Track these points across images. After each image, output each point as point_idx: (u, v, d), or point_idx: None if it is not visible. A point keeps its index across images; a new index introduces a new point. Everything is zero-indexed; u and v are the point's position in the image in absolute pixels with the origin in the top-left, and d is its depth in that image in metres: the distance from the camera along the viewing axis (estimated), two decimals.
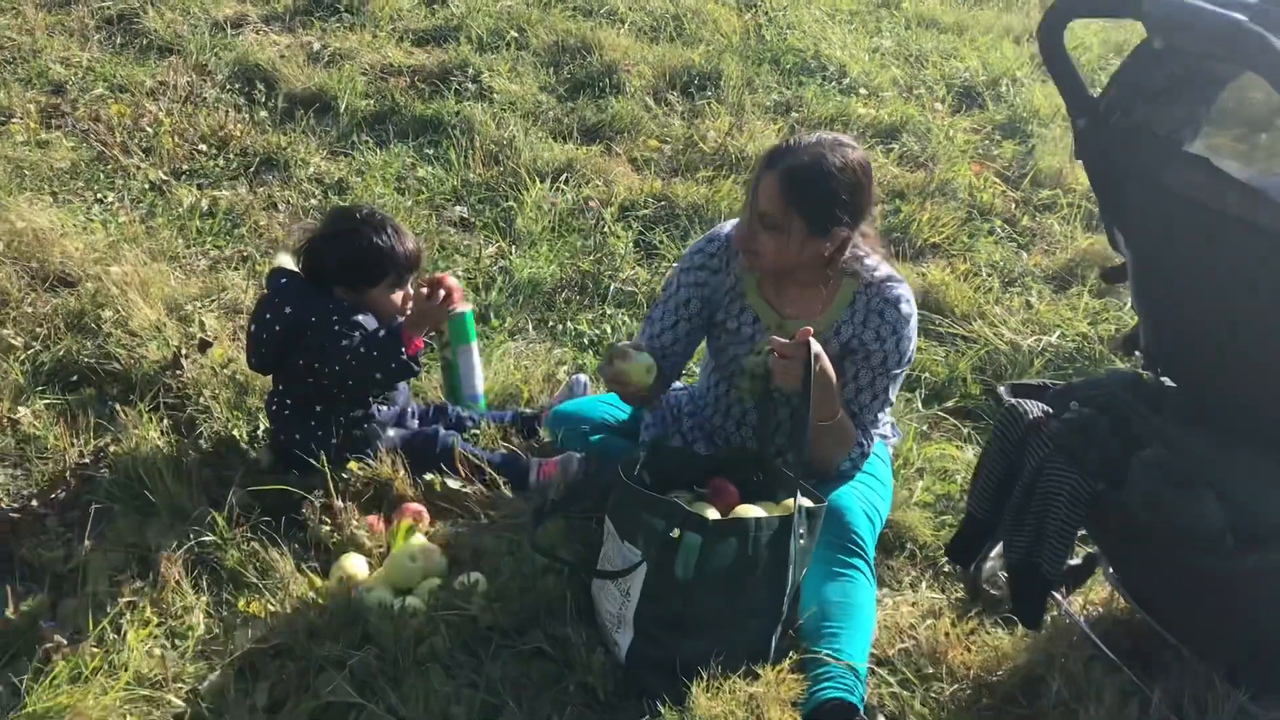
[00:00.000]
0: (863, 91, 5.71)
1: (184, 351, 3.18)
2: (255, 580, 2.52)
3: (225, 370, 3.16)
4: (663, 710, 2.20)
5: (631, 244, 4.18)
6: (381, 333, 2.77)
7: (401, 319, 2.84)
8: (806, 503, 2.32)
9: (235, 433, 2.99)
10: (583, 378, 3.27)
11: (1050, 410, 2.22)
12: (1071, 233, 4.47)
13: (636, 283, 3.97)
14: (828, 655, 2.32)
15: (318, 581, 2.51)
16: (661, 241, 4.20)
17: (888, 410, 2.75)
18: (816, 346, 2.36)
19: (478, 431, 3.07)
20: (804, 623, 2.42)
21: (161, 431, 2.95)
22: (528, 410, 3.23)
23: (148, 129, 4.87)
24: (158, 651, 2.34)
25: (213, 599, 2.52)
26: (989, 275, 4.13)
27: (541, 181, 4.54)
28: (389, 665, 2.32)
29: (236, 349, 3.24)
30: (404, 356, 2.72)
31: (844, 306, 2.59)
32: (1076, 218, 4.56)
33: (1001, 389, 2.37)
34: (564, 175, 4.62)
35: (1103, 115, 2.02)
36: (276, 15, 6.41)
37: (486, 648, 2.36)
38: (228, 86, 5.39)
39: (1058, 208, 4.67)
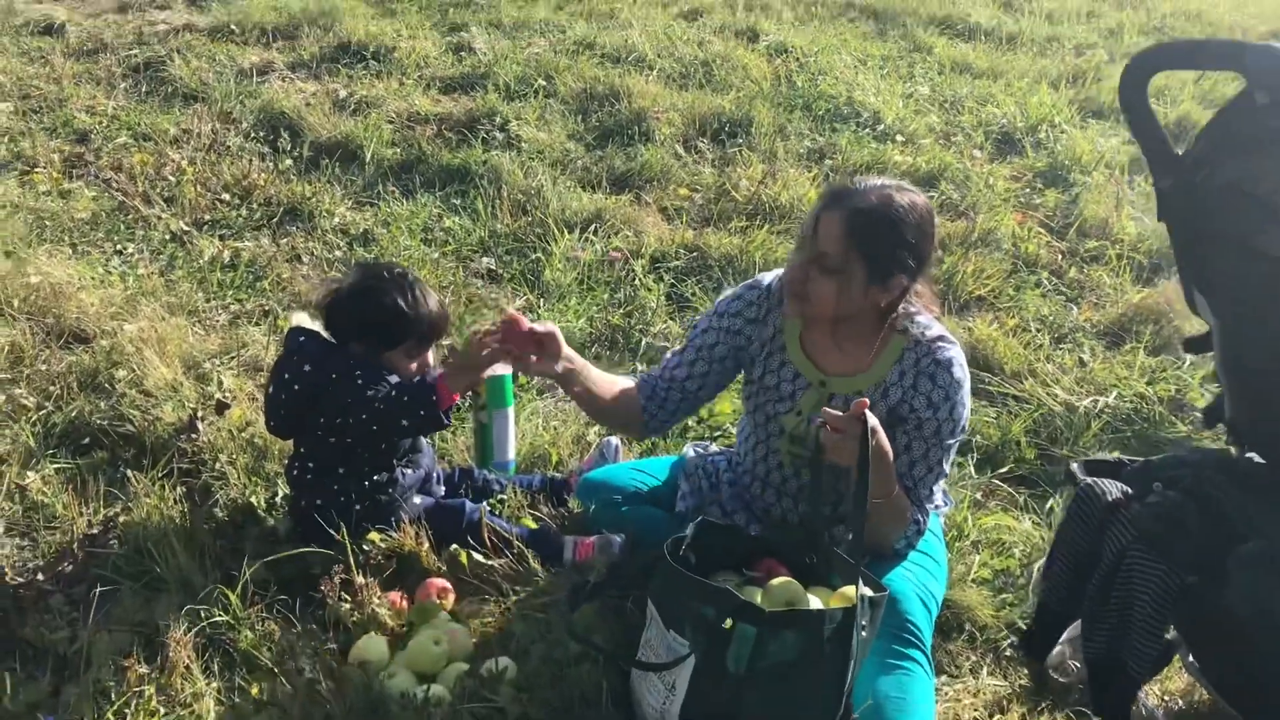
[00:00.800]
0: (899, 138, 5.59)
1: (200, 414, 3.04)
2: (269, 664, 2.36)
3: (243, 434, 3.02)
4: None
5: (663, 296, 4.03)
6: (415, 379, 2.66)
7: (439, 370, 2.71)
8: (868, 591, 2.14)
9: (253, 499, 2.84)
10: (614, 441, 3.11)
11: (1129, 491, 2.04)
12: (1121, 285, 4.30)
13: (669, 336, 3.81)
14: None
15: (335, 667, 2.34)
16: (694, 294, 4.06)
17: (942, 481, 2.57)
18: (873, 420, 2.19)
19: (504, 497, 2.91)
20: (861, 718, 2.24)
21: (175, 500, 2.80)
22: (557, 475, 3.07)
23: (170, 178, 4.79)
24: None
25: (224, 684, 2.36)
26: (1038, 330, 3.95)
27: (570, 232, 4.41)
28: None
29: (255, 410, 3.10)
30: (436, 408, 2.58)
31: (891, 365, 2.42)
32: (1126, 270, 4.39)
33: (1074, 465, 2.20)
34: (593, 225, 4.49)
35: (1189, 172, 1.86)
36: (303, 63, 6.38)
37: None
38: (252, 134, 5.32)
39: (1105, 259, 4.50)
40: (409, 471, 2.79)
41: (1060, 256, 4.54)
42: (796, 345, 2.52)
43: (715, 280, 4.17)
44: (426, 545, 2.66)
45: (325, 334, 2.73)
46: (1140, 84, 1.85)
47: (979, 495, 3.10)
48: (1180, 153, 1.90)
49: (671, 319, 3.94)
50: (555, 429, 3.26)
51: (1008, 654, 2.58)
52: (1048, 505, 3.03)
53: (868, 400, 2.19)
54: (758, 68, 6.30)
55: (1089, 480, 2.09)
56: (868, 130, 5.67)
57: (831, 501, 2.44)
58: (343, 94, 5.87)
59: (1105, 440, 3.30)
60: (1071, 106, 6.12)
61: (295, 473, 2.76)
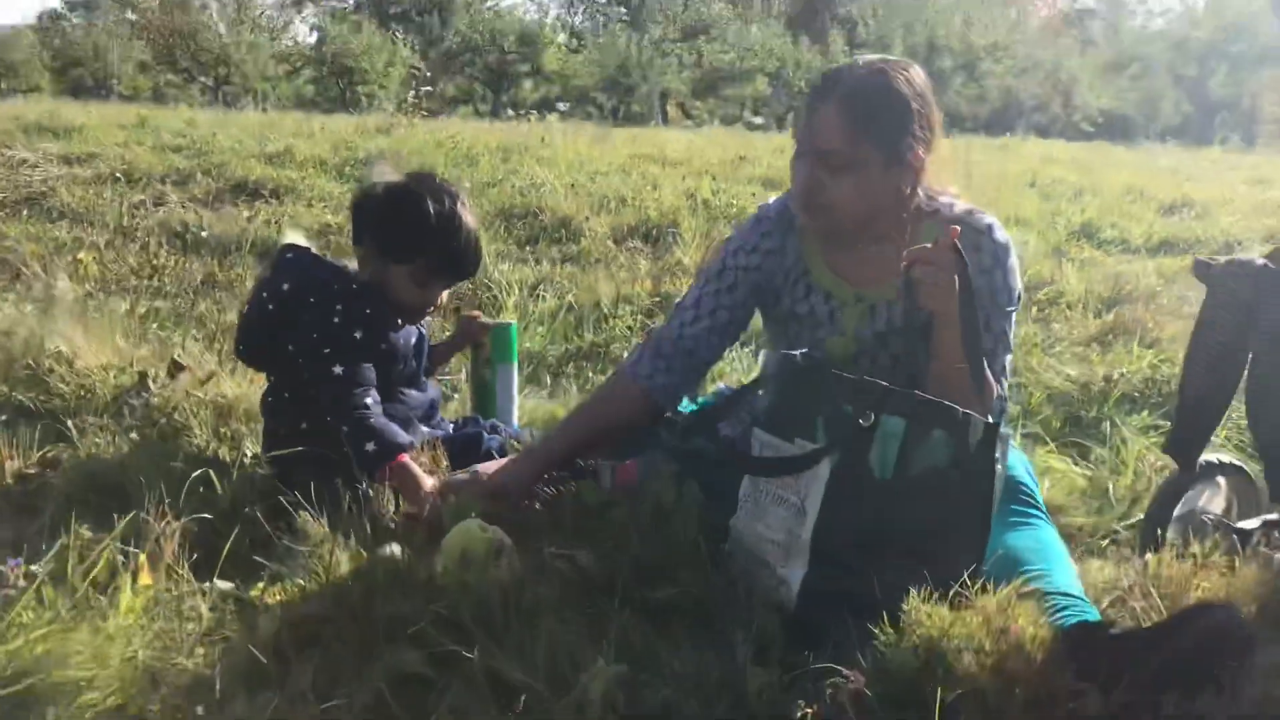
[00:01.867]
0: None
1: (153, 376, 2.61)
2: (275, 564, 1.89)
3: (203, 391, 2.59)
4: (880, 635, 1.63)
5: (636, 325, 3.79)
6: (371, 444, 2.19)
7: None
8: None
9: (221, 454, 2.40)
10: None
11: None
12: (1085, 320, 4.26)
13: None
14: (1045, 590, 1.80)
15: (356, 550, 1.89)
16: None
17: (1010, 360, 2.31)
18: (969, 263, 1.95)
19: (517, 444, 2.55)
20: (992, 571, 1.90)
21: (128, 448, 2.34)
22: None
23: (70, 258, 4.38)
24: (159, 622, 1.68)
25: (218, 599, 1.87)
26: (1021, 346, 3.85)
27: (519, 292, 4.18)
28: (482, 621, 1.70)
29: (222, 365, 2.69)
30: (368, 458, 2.17)
31: None
32: (1082, 310, 4.36)
33: (1202, 258, 2.00)
34: (539, 287, 4.27)
35: None
36: (197, 199, 6.13)
37: (609, 599, 1.78)
38: (151, 241, 4.96)
39: (1059, 305, 4.48)
40: (413, 392, 2.42)
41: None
42: (821, 265, 2.27)
43: None
44: (445, 463, 2.26)
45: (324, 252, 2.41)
46: None
47: None
48: None
49: None
50: (563, 398, 2.93)
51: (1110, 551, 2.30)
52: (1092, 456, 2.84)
53: (958, 229, 1.98)
54: (672, 198, 6.33)
55: (1233, 258, 1.91)
56: None
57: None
58: (246, 214, 5.62)
59: (1131, 408, 3.14)
60: None
61: (271, 400, 2.36)
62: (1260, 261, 1.89)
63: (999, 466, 1.85)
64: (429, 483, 2.16)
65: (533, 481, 2.15)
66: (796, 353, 1.91)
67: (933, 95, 2.15)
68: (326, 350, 2.23)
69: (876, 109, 2.06)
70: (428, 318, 2.55)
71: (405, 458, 2.18)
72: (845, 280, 2.25)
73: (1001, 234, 2.20)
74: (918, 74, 2.14)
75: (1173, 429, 2.02)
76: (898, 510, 1.77)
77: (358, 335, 2.26)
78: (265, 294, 2.33)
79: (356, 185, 2.40)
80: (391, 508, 2.12)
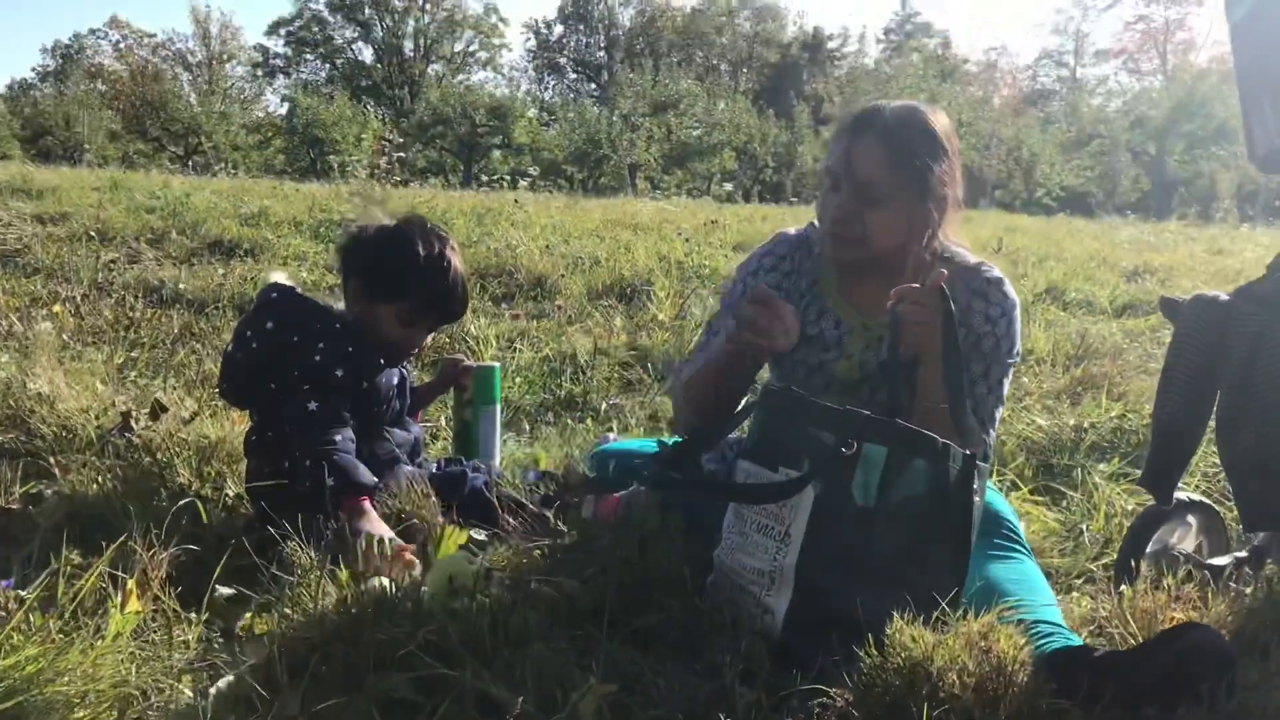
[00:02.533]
0: None
1: (135, 416, 2.61)
2: (262, 595, 1.90)
3: (185, 432, 2.59)
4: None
5: (614, 377, 3.83)
6: (331, 479, 2.17)
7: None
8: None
9: (205, 493, 2.40)
10: (611, 436, 2.83)
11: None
12: (1055, 371, 4.34)
13: (624, 409, 3.58)
14: (1028, 619, 1.83)
15: (345, 580, 1.89)
16: (640, 380, 3.87)
17: (1000, 411, 2.38)
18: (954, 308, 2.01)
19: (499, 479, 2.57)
20: (975, 601, 1.92)
21: (112, 484, 2.34)
22: (553, 471, 2.74)
23: (45, 310, 4.38)
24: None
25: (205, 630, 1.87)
26: None
27: (497, 346, 4.21)
28: (471, 646, 1.71)
29: (204, 409, 2.69)
30: (327, 498, 2.16)
31: None
32: (1048, 367, 4.44)
33: (1168, 296, 2.08)
34: (514, 341, 4.31)
35: None
36: (172, 256, 6.14)
37: (595, 625, 1.79)
38: (131, 288, 4.98)
39: (1028, 363, 4.56)
40: (396, 431, 2.43)
41: None
42: (834, 291, 2.34)
43: (658, 372, 4.00)
44: (433, 499, 2.28)
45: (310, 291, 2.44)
46: None
47: None
48: None
49: (624, 395, 3.73)
50: (543, 442, 2.94)
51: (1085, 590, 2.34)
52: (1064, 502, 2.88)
53: (946, 272, 2.05)
54: (645, 259, 6.41)
55: (1199, 294, 1.98)
56: None
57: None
58: (222, 271, 5.63)
59: (1100, 457, 3.19)
60: None
61: (255, 439, 2.37)
62: (1224, 296, 1.96)
63: (976, 498, 1.89)
64: (386, 532, 2.13)
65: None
66: (777, 386, 1.95)
67: (954, 134, 2.24)
68: (306, 387, 2.25)
69: (914, 142, 2.14)
70: (409, 360, 2.57)
71: (367, 502, 2.18)
72: (854, 305, 2.30)
73: (1010, 289, 2.28)
74: (944, 115, 2.24)
75: (1148, 462, 2.07)
76: (879, 537, 1.79)
77: (339, 374, 2.28)
78: (249, 332, 2.35)
79: (344, 229, 2.44)
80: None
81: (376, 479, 2.24)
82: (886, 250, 2.20)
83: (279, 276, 2.48)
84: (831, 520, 1.79)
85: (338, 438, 2.23)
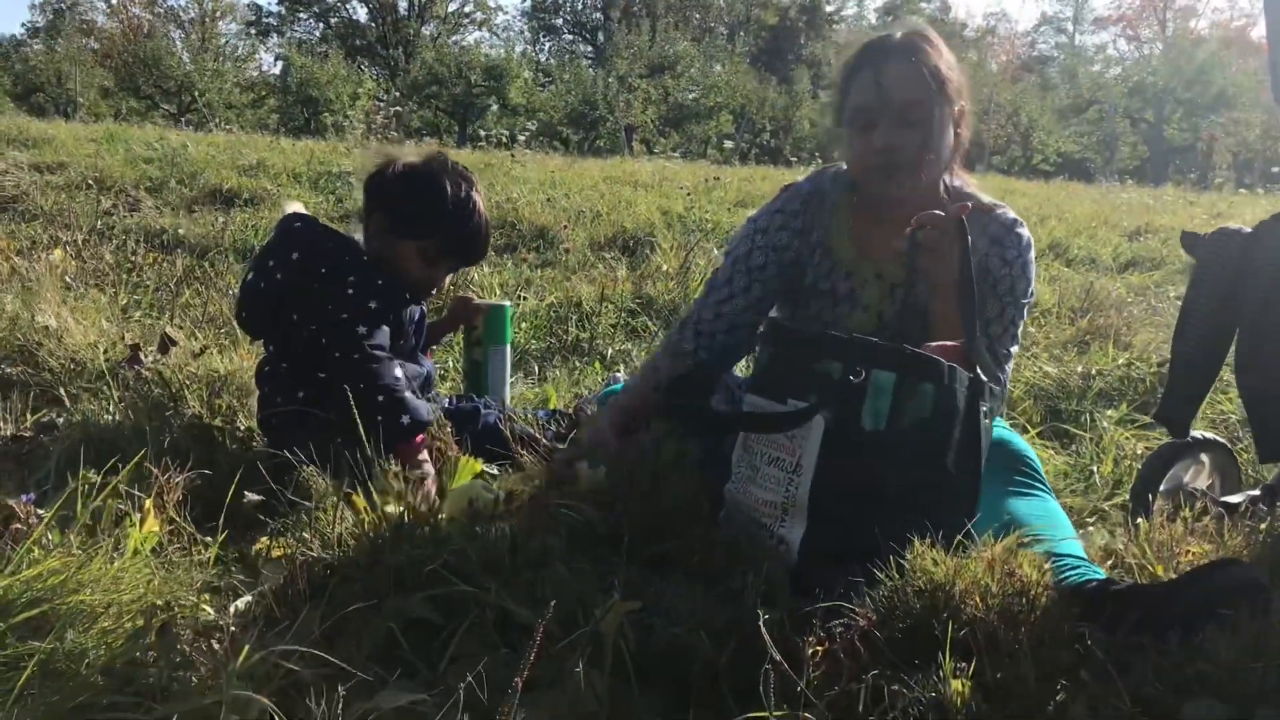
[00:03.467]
0: None
1: (144, 350, 2.60)
2: (278, 521, 1.89)
3: (195, 365, 2.58)
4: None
5: (619, 323, 3.81)
6: (406, 417, 2.19)
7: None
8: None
9: (217, 424, 2.39)
10: (620, 378, 2.82)
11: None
12: (1060, 325, 4.33)
13: (629, 355, 3.57)
14: (1050, 554, 1.83)
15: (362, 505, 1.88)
16: (645, 327, 3.85)
17: (1015, 350, 2.36)
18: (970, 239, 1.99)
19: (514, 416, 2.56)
20: (997, 536, 1.92)
21: (124, 413, 2.33)
22: (564, 409, 2.73)
23: (46, 254, 4.34)
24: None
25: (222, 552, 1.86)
26: None
27: (500, 292, 4.19)
28: (490, 568, 1.71)
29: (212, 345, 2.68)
30: (401, 430, 2.17)
31: None
32: (1055, 317, 4.44)
33: (1187, 230, 2.07)
34: (520, 290, 4.29)
35: None
36: (170, 204, 6.09)
37: (614, 551, 1.79)
38: (131, 234, 4.94)
39: (1033, 315, 4.56)
40: (410, 365, 2.42)
41: None
42: (846, 242, 2.31)
43: (664, 318, 3.99)
44: (449, 429, 2.27)
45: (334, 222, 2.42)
46: None
47: None
48: None
49: (629, 341, 3.71)
50: (553, 383, 2.93)
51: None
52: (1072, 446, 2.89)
53: (969, 205, 2.03)
54: (646, 212, 6.38)
55: (1221, 227, 1.97)
56: None
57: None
58: (221, 220, 5.59)
59: (1108, 403, 3.19)
60: None
61: (268, 369, 2.36)
62: (1245, 230, 1.95)
63: (986, 420, 1.89)
64: (430, 468, 2.17)
65: (620, 433, 2.15)
66: (782, 321, 1.94)
67: None
68: (345, 317, 2.23)
69: (938, 62, 2.13)
70: (427, 299, 2.56)
71: (422, 437, 2.19)
72: (869, 257, 2.28)
73: (1025, 230, 2.26)
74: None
75: (1165, 395, 2.07)
76: (891, 463, 1.79)
77: (373, 305, 2.27)
78: (272, 262, 2.33)
79: (372, 165, 2.41)
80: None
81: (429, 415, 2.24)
82: (929, 171, 2.18)
83: (297, 207, 2.45)
84: (842, 448, 1.78)
85: (399, 373, 2.22)
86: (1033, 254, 2.29)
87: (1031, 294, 2.29)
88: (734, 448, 1.99)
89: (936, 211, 1.99)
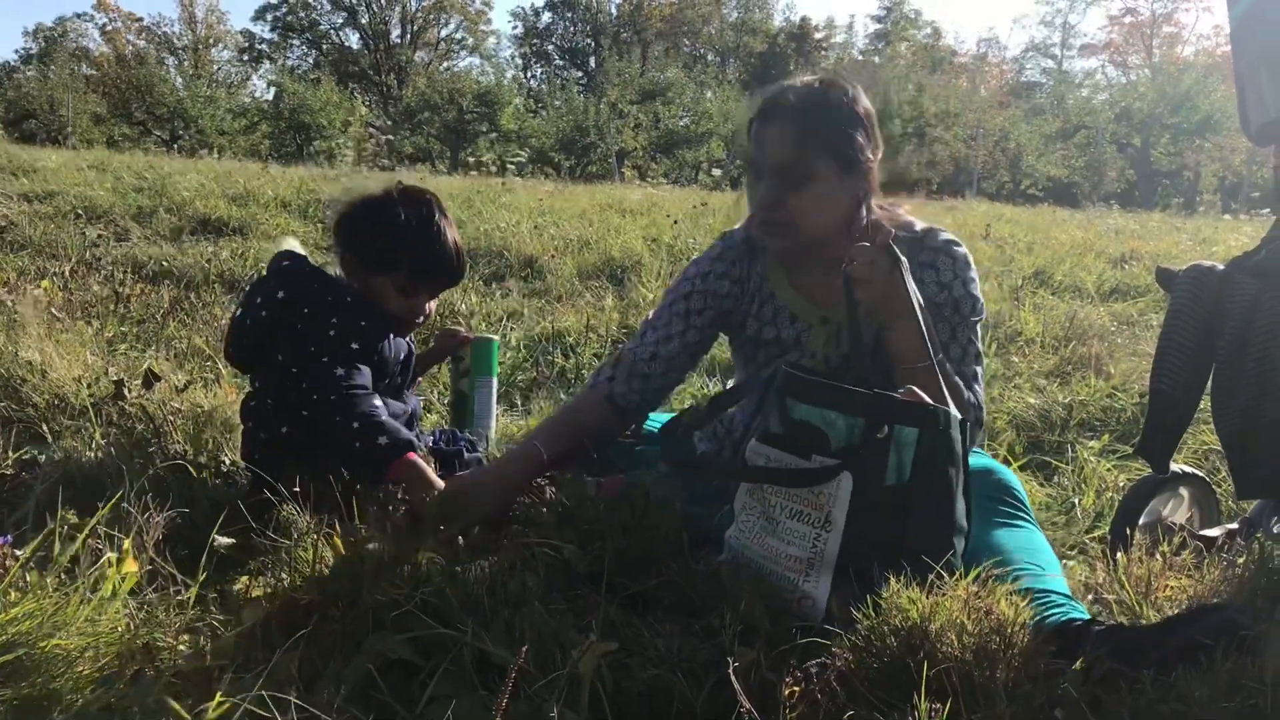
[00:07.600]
0: None
1: (128, 385, 2.60)
2: (258, 559, 1.90)
3: (179, 400, 2.58)
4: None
5: (604, 353, 3.82)
6: (384, 438, 2.20)
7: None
8: (954, 412, 1.89)
9: (201, 459, 2.39)
10: None
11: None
12: (1044, 354, 4.35)
13: None
14: (1035, 587, 1.84)
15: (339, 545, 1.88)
16: None
17: (981, 370, 2.36)
18: (904, 260, 2.00)
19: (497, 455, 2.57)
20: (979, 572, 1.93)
21: (106, 449, 2.33)
22: None
23: (34, 285, 4.35)
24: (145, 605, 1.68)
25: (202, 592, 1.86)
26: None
27: (488, 326, 4.20)
28: (469, 608, 1.71)
29: (196, 379, 2.68)
30: (379, 453, 2.19)
31: None
32: (1039, 348, 4.46)
33: (1164, 267, 2.09)
34: (508, 320, 4.30)
35: None
36: (161, 235, 6.10)
37: (594, 589, 1.79)
38: (119, 264, 4.95)
39: (1017, 344, 4.58)
40: (395, 403, 2.43)
41: None
42: (786, 287, 2.33)
43: None
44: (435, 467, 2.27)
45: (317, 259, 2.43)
46: None
47: None
48: None
49: None
50: (539, 412, 2.94)
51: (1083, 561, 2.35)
52: (1054, 478, 2.90)
53: (893, 230, 2.04)
54: (633, 242, 6.40)
55: (1195, 264, 1.99)
56: None
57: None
58: (209, 249, 5.60)
59: (1091, 434, 3.21)
60: None
61: (254, 405, 2.36)
62: (1219, 266, 1.97)
63: (958, 449, 1.89)
64: (438, 481, 2.17)
65: (520, 484, 2.16)
66: (795, 370, 1.94)
67: (865, 100, 2.22)
68: (325, 359, 2.24)
69: (824, 118, 2.13)
70: (417, 328, 2.57)
71: (414, 455, 2.20)
72: (811, 302, 2.29)
73: (960, 247, 2.27)
74: (853, 85, 2.22)
75: (1145, 430, 2.08)
76: (913, 514, 1.79)
77: (354, 347, 2.27)
78: (259, 299, 2.33)
79: (332, 203, 2.42)
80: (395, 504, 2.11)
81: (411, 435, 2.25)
82: (818, 231, 2.19)
83: (292, 244, 2.46)
84: (868, 503, 1.78)
85: (375, 401, 2.23)
86: (973, 271, 2.28)
87: (980, 308, 2.28)
88: (725, 489, 2.00)
89: (863, 244, 2.00)
